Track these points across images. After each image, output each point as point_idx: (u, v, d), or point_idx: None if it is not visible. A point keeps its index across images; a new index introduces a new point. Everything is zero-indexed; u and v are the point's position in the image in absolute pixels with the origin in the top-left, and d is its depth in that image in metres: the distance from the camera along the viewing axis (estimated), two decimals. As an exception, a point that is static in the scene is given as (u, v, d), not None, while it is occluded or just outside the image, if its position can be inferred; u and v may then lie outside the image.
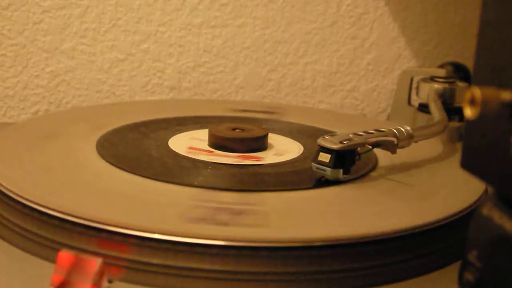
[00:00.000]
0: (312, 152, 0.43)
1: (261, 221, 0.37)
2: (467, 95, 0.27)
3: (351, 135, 0.43)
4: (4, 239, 0.38)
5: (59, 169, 0.43)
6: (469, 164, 0.30)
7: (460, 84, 0.59)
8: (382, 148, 0.44)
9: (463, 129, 0.54)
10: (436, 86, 0.58)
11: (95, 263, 0.32)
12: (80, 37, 0.65)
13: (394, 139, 0.44)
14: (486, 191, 0.42)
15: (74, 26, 0.65)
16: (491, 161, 0.28)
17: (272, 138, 0.51)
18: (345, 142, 0.42)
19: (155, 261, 0.34)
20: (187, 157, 0.46)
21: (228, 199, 0.39)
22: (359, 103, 0.72)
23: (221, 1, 0.67)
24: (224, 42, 0.68)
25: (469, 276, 0.30)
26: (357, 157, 0.42)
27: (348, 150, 0.42)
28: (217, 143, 0.48)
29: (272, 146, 0.49)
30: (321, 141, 0.42)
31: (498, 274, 0.28)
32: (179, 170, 0.44)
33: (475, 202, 0.41)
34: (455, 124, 0.57)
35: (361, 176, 0.44)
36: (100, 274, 0.32)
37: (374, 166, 0.46)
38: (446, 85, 0.58)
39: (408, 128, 0.45)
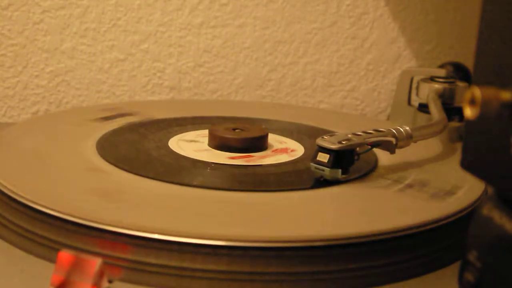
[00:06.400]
0: (312, 152, 0.43)
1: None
2: (467, 95, 0.27)
3: (349, 135, 0.43)
4: (4, 239, 0.38)
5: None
6: (469, 164, 0.30)
7: (460, 84, 0.59)
8: (381, 148, 0.44)
9: (463, 129, 0.54)
10: (436, 86, 0.58)
11: (95, 263, 0.32)
12: (80, 37, 0.65)
13: (393, 139, 0.44)
14: (486, 191, 0.42)
15: (74, 26, 0.65)
16: (491, 161, 0.28)
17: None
18: (343, 142, 0.42)
19: (155, 261, 0.34)
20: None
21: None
22: (359, 103, 0.72)
23: (221, 1, 0.67)
24: (224, 42, 0.68)
25: (469, 276, 0.30)
26: (356, 157, 0.42)
27: (346, 150, 0.42)
28: (217, 143, 0.48)
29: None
30: (320, 141, 0.42)
31: (498, 274, 0.28)
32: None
33: (475, 202, 0.41)
34: (455, 124, 0.57)
35: (361, 176, 0.44)
36: (100, 274, 0.32)
37: (374, 166, 0.46)
38: (446, 85, 0.58)
39: (407, 128, 0.45)
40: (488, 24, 0.29)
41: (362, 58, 0.71)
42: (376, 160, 0.47)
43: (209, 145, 0.48)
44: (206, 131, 0.50)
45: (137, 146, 0.48)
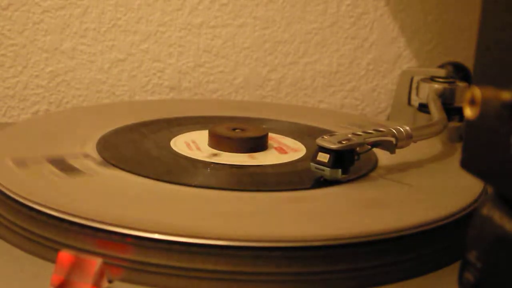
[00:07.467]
0: (312, 152, 0.43)
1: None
2: (467, 95, 0.27)
3: (350, 135, 0.43)
4: (4, 239, 0.38)
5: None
6: (469, 164, 0.30)
7: (460, 84, 0.59)
8: (381, 148, 0.45)
9: (463, 129, 0.54)
10: (436, 86, 0.58)
11: (95, 263, 0.32)
12: (80, 37, 0.66)
13: (393, 139, 0.44)
14: (485, 191, 0.42)
15: (74, 26, 0.65)
16: (491, 161, 0.28)
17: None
18: (343, 142, 0.42)
19: (155, 261, 0.34)
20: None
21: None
22: (359, 103, 0.72)
23: (221, 1, 0.67)
24: (224, 42, 0.68)
25: (469, 276, 0.30)
26: (356, 157, 0.42)
27: (346, 150, 0.42)
28: (217, 143, 0.48)
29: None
30: (320, 141, 0.42)
31: (498, 274, 0.28)
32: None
33: (474, 202, 0.41)
34: (455, 124, 0.57)
35: (361, 176, 0.44)
36: (100, 274, 0.32)
37: (374, 166, 0.46)
38: (446, 85, 0.58)
39: (407, 128, 0.45)
40: (488, 23, 0.29)
41: (362, 58, 0.71)
42: (376, 160, 0.47)
43: (209, 145, 0.48)
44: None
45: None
